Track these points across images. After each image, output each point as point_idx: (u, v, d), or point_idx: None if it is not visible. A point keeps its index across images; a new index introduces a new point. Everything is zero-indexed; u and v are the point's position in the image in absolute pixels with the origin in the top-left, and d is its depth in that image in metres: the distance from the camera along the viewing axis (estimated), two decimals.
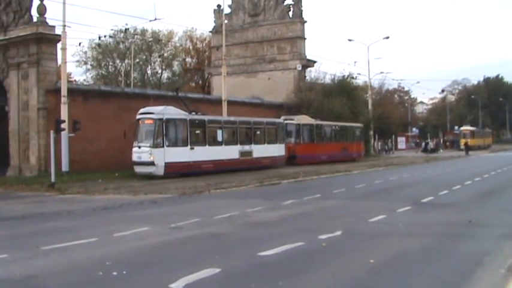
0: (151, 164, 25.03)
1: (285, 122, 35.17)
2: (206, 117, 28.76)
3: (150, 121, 25.60)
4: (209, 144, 27.98)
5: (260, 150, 31.01)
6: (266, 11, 48.37)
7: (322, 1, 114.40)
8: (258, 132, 32.31)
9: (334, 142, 40.19)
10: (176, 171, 25.59)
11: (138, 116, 26.02)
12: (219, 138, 28.99)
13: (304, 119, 38.33)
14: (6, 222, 13.40)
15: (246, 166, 29.46)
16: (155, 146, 25.20)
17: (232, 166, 28.69)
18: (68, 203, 17.07)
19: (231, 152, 29.16)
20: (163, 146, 25.31)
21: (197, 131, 27.89)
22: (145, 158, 25.13)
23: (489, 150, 69.25)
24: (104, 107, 29.70)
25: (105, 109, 29.57)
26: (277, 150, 32.53)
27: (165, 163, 25.20)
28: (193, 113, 28.22)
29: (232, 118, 31.22)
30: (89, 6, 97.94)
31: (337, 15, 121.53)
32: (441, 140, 71.17)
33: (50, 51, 28.19)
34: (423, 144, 61.51)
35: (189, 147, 26.59)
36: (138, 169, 25.62)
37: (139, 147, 25.41)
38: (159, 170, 25.10)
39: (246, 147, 30.45)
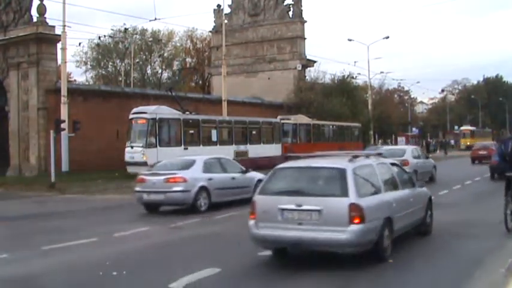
0: (144, 164, 24.77)
1: (282, 121, 35.03)
2: (200, 117, 28.60)
3: (143, 121, 25.37)
4: (203, 144, 27.67)
5: (256, 150, 30.78)
6: (266, 10, 48.36)
7: (322, 1, 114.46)
8: (254, 132, 32.09)
9: (332, 142, 40.05)
10: None
11: (131, 116, 25.85)
12: (214, 138, 28.68)
13: (301, 119, 38.26)
14: (6, 222, 13.41)
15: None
16: (148, 146, 24.92)
17: None
18: (68, 203, 17.09)
19: (226, 152, 28.82)
20: (156, 146, 25.13)
21: (191, 131, 27.60)
22: (138, 158, 24.88)
23: None
24: (104, 107, 29.66)
25: (105, 109, 29.53)
26: (273, 150, 32.36)
27: None
28: (188, 112, 28.08)
29: (227, 118, 31.00)
30: (89, 6, 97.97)
31: (337, 15, 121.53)
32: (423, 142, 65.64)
33: (50, 51, 28.18)
34: (433, 144, 60.35)
35: (182, 147, 26.34)
36: (131, 169, 25.39)
37: (132, 147, 25.22)
38: None
39: (242, 147, 30.23)
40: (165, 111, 26.62)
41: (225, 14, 43.79)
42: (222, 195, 14.93)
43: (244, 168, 16.64)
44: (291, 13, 47.58)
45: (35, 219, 13.85)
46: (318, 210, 7.52)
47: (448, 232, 10.58)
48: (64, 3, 23.97)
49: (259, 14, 48.55)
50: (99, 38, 48.56)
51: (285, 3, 47.77)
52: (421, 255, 8.65)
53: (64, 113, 23.69)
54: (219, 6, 48.94)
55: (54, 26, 27.89)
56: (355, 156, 8.61)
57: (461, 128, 73.41)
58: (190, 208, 13.79)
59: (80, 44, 56.20)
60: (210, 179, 14.63)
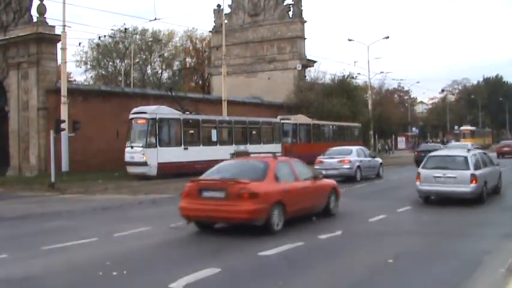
0: (144, 164, 24.75)
1: (282, 121, 34.98)
2: (200, 117, 28.60)
3: (143, 121, 25.34)
4: (203, 144, 27.70)
5: (256, 150, 30.67)
6: (266, 10, 48.37)
7: (322, 1, 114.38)
8: (254, 132, 32.06)
9: (332, 142, 39.96)
10: (169, 172, 25.18)
11: (130, 116, 25.82)
12: (214, 138, 28.70)
13: (301, 119, 38.21)
14: (6, 222, 13.40)
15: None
16: (148, 146, 24.91)
17: None
18: (68, 203, 17.07)
19: (226, 152, 28.84)
20: (156, 146, 25.06)
21: (191, 131, 27.61)
22: (138, 158, 24.87)
23: (489, 149, 69.25)
24: (104, 107, 29.65)
25: (105, 109, 29.52)
26: (273, 150, 32.25)
27: (158, 163, 24.91)
28: (188, 112, 28.06)
29: (227, 118, 31.00)
30: (89, 6, 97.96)
31: (337, 15, 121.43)
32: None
33: (50, 51, 28.16)
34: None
35: (182, 147, 26.36)
36: (131, 169, 25.38)
37: (132, 147, 25.17)
38: (152, 171, 24.85)
39: (242, 147, 30.24)
40: (165, 111, 26.60)
41: (225, 14, 43.79)
42: (365, 172, 23.51)
43: (373, 155, 26.46)
44: (291, 13, 47.61)
45: (35, 219, 13.84)
46: (454, 177, 14.39)
47: (448, 232, 10.61)
48: (64, 3, 23.96)
49: (259, 14, 48.55)
50: (99, 38, 48.62)
51: (285, 3, 47.79)
52: (421, 255, 8.65)
53: (64, 113, 23.67)
54: (219, 6, 48.98)
55: (54, 26, 27.88)
56: (469, 150, 17.16)
57: (461, 128, 73.45)
58: (349, 179, 21.65)
59: (80, 44, 56.34)
60: (360, 161, 23.26)
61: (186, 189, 10.77)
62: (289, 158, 12.90)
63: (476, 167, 14.70)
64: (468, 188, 14.19)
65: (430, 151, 29.68)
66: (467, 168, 14.40)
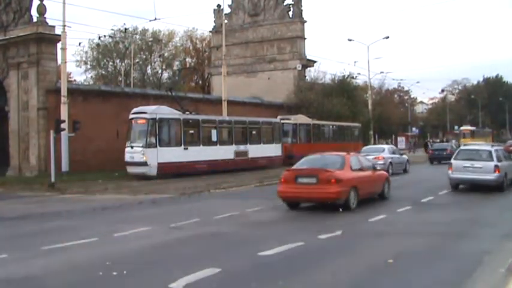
0: (144, 164, 24.72)
1: (282, 121, 34.94)
2: (200, 117, 28.58)
3: (143, 121, 25.31)
4: (203, 144, 27.66)
5: (256, 150, 30.72)
6: (266, 10, 48.36)
7: (322, 1, 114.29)
8: (254, 132, 31.97)
9: (332, 142, 39.93)
10: (169, 172, 25.18)
11: (130, 116, 25.79)
12: (214, 138, 28.65)
13: (301, 119, 38.20)
14: (6, 222, 13.40)
15: (242, 166, 29.14)
16: (148, 146, 24.87)
17: (227, 166, 28.36)
18: (68, 203, 17.07)
19: (226, 152, 28.86)
20: (156, 146, 25.02)
21: (191, 131, 27.55)
22: (138, 158, 24.84)
23: None
24: (104, 107, 29.63)
25: (105, 109, 29.50)
26: (273, 150, 32.25)
27: (158, 163, 24.89)
28: (188, 112, 28.05)
29: (227, 118, 30.97)
30: (89, 6, 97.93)
31: (337, 15, 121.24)
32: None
33: (50, 51, 28.14)
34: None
35: (182, 147, 26.34)
36: (131, 169, 25.35)
37: (131, 147, 25.14)
38: (152, 171, 24.83)
39: (242, 147, 30.16)
40: (165, 111, 26.58)
41: (225, 14, 43.78)
42: (396, 167, 26.56)
43: (401, 153, 30.26)
44: (291, 13, 47.59)
45: (35, 219, 13.83)
46: (481, 167, 17.22)
47: (447, 232, 10.61)
48: (64, 3, 23.97)
49: (259, 14, 48.54)
50: (99, 38, 48.64)
51: (285, 3, 47.77)
52: (421, 255, 8.65)
53: (64, 113, 23.67)
54: (219, 6, 48.96)
55: (54, 26, 27.86)
56: (493, 145, 20.37)
57: (461, 128, 73.44)
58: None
59: (80, 44, 56.25)
60: (392, 158, 26.58)
61: (284, 177, 13.74)
62: (357, 153, 16.37)
63: (499, 160, 17.47)
64: (492, 176, 16.99)
65: (442, 150, 36.13)
66: (491, 160, 17.24)
